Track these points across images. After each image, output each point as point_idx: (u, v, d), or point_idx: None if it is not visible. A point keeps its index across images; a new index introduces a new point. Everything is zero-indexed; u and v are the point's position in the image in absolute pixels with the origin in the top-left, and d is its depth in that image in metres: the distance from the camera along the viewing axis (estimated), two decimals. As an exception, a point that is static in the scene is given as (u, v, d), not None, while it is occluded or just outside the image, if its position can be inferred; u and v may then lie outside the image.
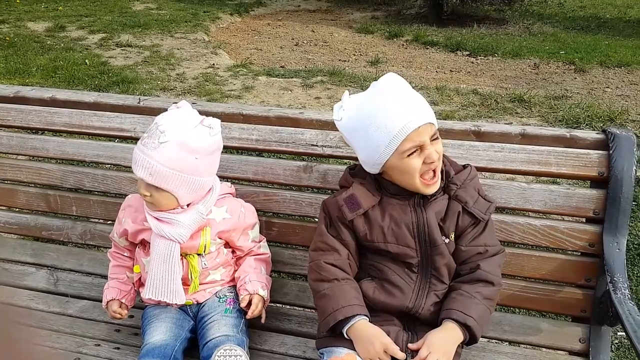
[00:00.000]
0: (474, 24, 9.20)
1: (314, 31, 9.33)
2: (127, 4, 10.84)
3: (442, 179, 1.58)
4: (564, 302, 1.77)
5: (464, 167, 1.64)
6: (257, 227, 1.82)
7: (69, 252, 2.17)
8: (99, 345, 1.76)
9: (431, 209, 1.56)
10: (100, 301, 1.97)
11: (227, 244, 1.77)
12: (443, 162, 1.60)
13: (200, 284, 1.73)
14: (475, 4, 9.60)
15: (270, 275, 1.84)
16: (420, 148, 1.48)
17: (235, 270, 1.81)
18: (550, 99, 5.51)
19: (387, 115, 1.48)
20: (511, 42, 8.09)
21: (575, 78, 6.43)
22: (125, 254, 1.82)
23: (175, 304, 1.70)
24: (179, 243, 1.65)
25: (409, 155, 1.49)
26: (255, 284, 1.72)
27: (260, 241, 1.84)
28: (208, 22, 9.50)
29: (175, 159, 1.58)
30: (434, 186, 1.54)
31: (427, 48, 8.08)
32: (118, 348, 1.75)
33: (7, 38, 7.86)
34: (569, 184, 2.23)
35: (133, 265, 1.79)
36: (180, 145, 1.58)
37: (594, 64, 6.80)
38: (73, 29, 8.60)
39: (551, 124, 4.82)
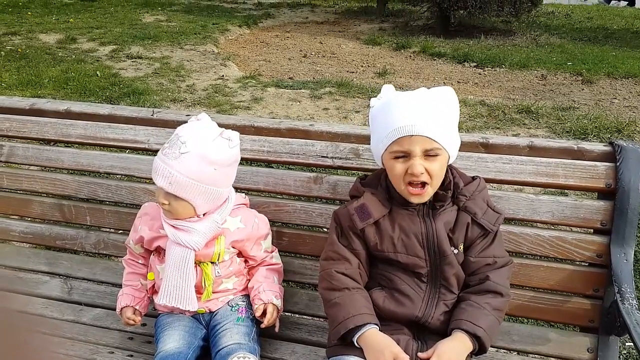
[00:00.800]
0: (481, 35, 9.24)
1: (321, 43, 9.40)
2: (137, 16, 10.96)
3: (451, 190, 1.60)
4: (572, 312, 1.78)
5: (473, 178, 1.66)
6: (269, 237, 1.86)
7: (82, 261, 2.20)
8: (112, 352, 1.78)
9: (440, 220, 1.58)
10: (114, 309, 2.00)
11: (240, 254, 1.80)
12: (452, 173, 1.62)
13: (213, 292, 1.76)
14: (483, 16, 9.64)
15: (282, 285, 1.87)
16: (408, 156, 1.51)
17: (248, 280, 1.84)
18: (557, 110, 5.52)
19: (396, 113, 1.52)
20: (518, 53, 8.12)
21: (583, 89, 6.44)
22: (140, 261, 1.85)
23: (188, 311, 1.73)
24: (194, 250, 1.69)
25: (395, 158, 1.52)
26: (269, 293, 1.75)
27: (272, 251, 1.87)
28: (217, 34, 9.60)
29: (194, 169, 1.62)
30: (419, 197, 1.55)
31: (435, 59, 8.12)
32: (131, 355, 1.77)
33: (19, 50, 7.96)
34: (577, 195, 2.25)
35: (147, 273, 1.82)
36: (200, 156, 1.63)
37: (602, 75, 6.81)
38: (84, 40, 8.70)
39: (559, 135, 4.83)
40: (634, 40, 8.99)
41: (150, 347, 1.78)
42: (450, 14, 9.77)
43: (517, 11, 9.57)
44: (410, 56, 8.39)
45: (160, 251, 1.77)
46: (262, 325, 1.73)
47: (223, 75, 6.97)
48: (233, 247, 1.77)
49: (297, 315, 1.96)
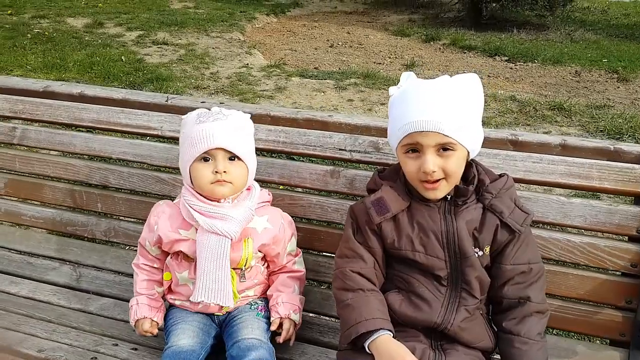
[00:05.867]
0: (513, 29, 9.02)
1: (349, 33, 9.27)
2: (165, 3, 10.97)
3: (474, 185, 1.50)
4: (602, 324, 1.68)
5: (500, 176, 1.56)
6: (294, 239, 1.76)
7: (92, 248, 2.16)
8: (116, 345, 1.73)
9: (462, 217, 1.48)
10: (121, 299, 1.97)
11: (263, 257, 1.72)
12: (477, 169, 1.52)
13: None
14: (516, 9, 9.41)
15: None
16: (420, 151, 1.42)
17: (268, 286, 1.76)
18: (591, 108, 5.34)
19: (411, 106, 1.43)
20: (552, 48, 7.89)
21: (618, 87, 6.23)
22: (155, 266, 1.73)
23: (221, 306, 1.65)
24: (230, 240, 1.59)
25: (406, 152, 1.45)
26: (287, 306, 1.68)
27: (296, 255, 1.78)
28: (244, 21, 9.54)
29: (243, 126, 1.66)
30: (434, 192, 1.46)
31: (465, 52, 7.95)
32: (136, 349, 1.72)
33: (46, 33, 8.02)
34: (611, 199, 2.12)
35: (162, 279, 1.73)
36: (241, 123, 1.66)
37: (639, 73, 6.57)
38: (111, 25, 8.73)
39: (592, 134, 4.66)
40: (673, 37, 8.67)
41: (156, 341, 1.72)
42: (482, 7, 9.55)
43: (551, 5, 9.31)
44: (440, 48, 8.22)
45: (179, 255, 1.67)
46: (278, 341, 1.65)
47: (248, 64, 6.90)
48: (259, 251, 1.68)
49: (309, 314, 1.88)
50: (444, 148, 1.41)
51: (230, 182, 1.61)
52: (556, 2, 9.31)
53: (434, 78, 1.51)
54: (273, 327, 1.65)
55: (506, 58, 7.48)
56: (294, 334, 1.69)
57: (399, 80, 1.54)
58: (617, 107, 5.51)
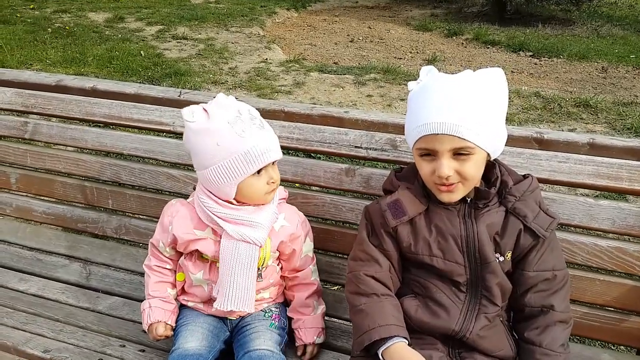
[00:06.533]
0: (538, 24, 8.83)
1: (370, 27, 9.17)
2: (186, -3, 10.97)
3: (496, 187, 1.42)
4: (629, 332, 1.61)
5: (524, 177, 1.47)
6: (309, 240, 1.70)
7: (103, 245, 2.13)
8: (124, 346, 1.69)
9: (482, 221, 1.40)
10: (131, 298, 1.94)
11: (278, 257, 1.66)
12: (500, 170, 1.45)
13: None
14: (541, 3, 9.22)
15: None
16: (433, 155, 1.34)
17: (282, 288, 1.72)
18: (618, 105, 5.18)
19: (427, 105, 1.35)
20: (578, 43, 7.70)
21: (646, 84, 6.05)
22: (168, 267, 1.67)
23: (239, 311, 1.60)
24: (259, 247, 1.55)
25: (421, 155, 1.37)
26: (311, 332, 1.65)
27: (313, 259, 1.71)
28: (264, 16, 9.49)
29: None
30: (449, 195, 1.38)
31: (488, 47, 7.80)
32: (143, 350, 1.67)
33: (67, 27, 8.06)
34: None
35: (175, 280, 1.68)
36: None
37: (667, 70, 6.39)
38: (132, 20, 8.74)
39: (619, 132, 4.52)
40: (703, 33, 8.41)
41: (164, 342, 1.67)
42: (506, 1, 9.37)
43: (578, 0, 9.08)
44: (462, 43, 8.08)
45: (193, 254, 1.61)
46: None
47: (267, 59, 6.85)
48: (277, 250, 1.62)
49: (322, 317, 1.82)
50: (459, 154, 1.33)
51: (277, 187, 1.59)
52: (583, -4, 9.10)
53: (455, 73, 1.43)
54: (298, 352, 1.65)
55: (530, 53, 7.32)
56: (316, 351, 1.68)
57: (419, 77, 1.46)
58: (645, 104, 5.34)
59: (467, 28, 8.72)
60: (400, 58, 7.24)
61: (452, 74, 1.41)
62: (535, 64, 6.99)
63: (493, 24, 9.04)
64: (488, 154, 1.38)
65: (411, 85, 1.46)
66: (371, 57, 7.31)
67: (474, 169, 1.36)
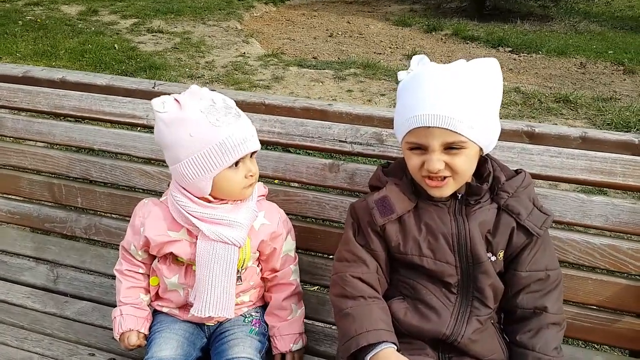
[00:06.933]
0: (517, 20, 8.85)
1: (349, 22, 9.10)
2: (162, -10, 10.76)
3: (488, 183, 1.36)
4: (623, 333, 1.56)
5: (517, 172, 1.41)
6: (290, 238, 1.61)
7: (72, 247, 2.03)
8: (93, 354, 1.59)
9: (475, 219, 1.34)
10: (101, 303, 1.84)
11: (258, 258, 1.57)
12: (492, 165, 1.38)
13: None
14: (520, 0, 9.22)
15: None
16: (424, 149, 1.27)
17: (263, 290, 1.63)
18: (597, 100, 5.19)
19: (417, 96, 1.27)
20: (556, 39, 7.72)
21: (625, 80, 6.07)
22: (140, 271, 1.57)
23: (218, 317, 1.51)
24: (238, 247, 1.45)
25: (410, 149, 1.30)
26: (287, 339, 1.56)
27: (294, 260, 1.62)
28: (242, 10, 9.36)
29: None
30: (439, 190, 1.31)
31: (467, 43, 7.78)
32: (114, 359, 1.57)
33: (39, 20, 7.84)
34: (636, 197, 1.98)
35: (148, 285, 1.58)
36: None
37: (645, 66, 6.43)
38: (106, 13, 8.54)
39: (599, 127, 4.51)
40: (678, 31, 8.51)
41: (137, 351, 1.57)
42: (485, -4, 9.39)
43: (556, -4, 9.14)
44: (442, 39, 8.05)
45: (168, 258, 1.51)
46: None
47: (244, 53, 6.74)
48: (257, 250, 1.53)
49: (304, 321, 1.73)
50: (451, 148, 1.26)
51: (255, 181, 1.48)
52: (561, -7, 9.14)
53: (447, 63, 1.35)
54: None
55: (510, 49, 7.32)
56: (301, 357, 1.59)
57: (406, 67, 1.38)
58: (623, 99, 5.35)
59: (446, 24, 8.70)
60: (380, 53, 7.18)
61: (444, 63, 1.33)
62: (515, 59, 6.99)
63: (472, 19, 9.04)
64: (481, 149, 1.32)
65: (401, 75, 1.39)
66: (350, 52, 7.23)
67: (466, 164, 1.29)
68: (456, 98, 1.25)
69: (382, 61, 6.53)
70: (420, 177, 1.32)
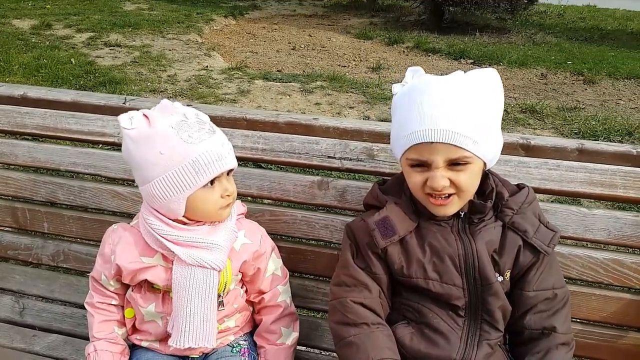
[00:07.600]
0: (475, 32, 8.99)
1: (311, 36, 9.07)
2: (117, 4, 10.54)
3: (492, 200, 1.29)
4: (628, 350, 1.51)
5: (519, 187, 1.35)
6: (275, 255, 1.51)
7: (38, 275, 1.88)
8: (66, 395, 1.45)
9: (481, 238, 1.27)
10: (73, 335, 1.71)
11: (241, 279, 1.46)
12: (494, 181, 1.33)
13: None
14: (479, 12, 9.37)
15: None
16: (426, 166, 1.21)
17: (250, 315, 1.52)
18: (562, 110, 5.27)
19: (416, 111, 1.20)
20: (516, 51, 7.86)
21: (586, 89, 6.20)
22: (113, 302, 1.45)
23: (201, 348, 1.40)
24: (218, 271, 1.34)
25: (411, 166, 1.23)
26: None
27: (284, 279, 1.52)
28: (201, 23, 9.22)
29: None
30: (443, 209, 1.25)
31: (429, 55, 7.83)
32: (90, 400, 1.44)
33: (-11, 35, 7.52)
34: (638, 209, 1.95)
35: (123, 318, 1.46)
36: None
37: (603, 75, 6.59)
38: (60, 27, 8.26)
39: (567, 136, 4.56)
40: (630, 41, 8.80)
41: (115, 389, 1.43)
42: (444, 9, 9.49)
43: (513, 8, 9.32)
44: (404, 51, 8.09)
45: (142, 286, 1.40)
46: None
47: (207, 66, 6.60)
48: (240, 272, 1.42)
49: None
50: (455, 164, 1.19)
51: (233, 201, 1.38)
52: (518, 5, 9.33)
53: (443, 75, 1.29)
54: None
55: (471, 61, 7.40)
56: None
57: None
58: (587, 109, 5.45)
59: (407, 36, 8.76)
60: (345, 66, 7.15)
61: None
62: (477, 71, 7.05)
63: (432, 32, 9.13)
64: (484, 164, 1.25)
65: (396, 88, 1.32)
66: (315, 64, 7.18)
67: (471, 180, 1.23)
68: (459, 111, 1.18)
69: (347, 74, 6.49)
70: (422, 196, 1.25)
